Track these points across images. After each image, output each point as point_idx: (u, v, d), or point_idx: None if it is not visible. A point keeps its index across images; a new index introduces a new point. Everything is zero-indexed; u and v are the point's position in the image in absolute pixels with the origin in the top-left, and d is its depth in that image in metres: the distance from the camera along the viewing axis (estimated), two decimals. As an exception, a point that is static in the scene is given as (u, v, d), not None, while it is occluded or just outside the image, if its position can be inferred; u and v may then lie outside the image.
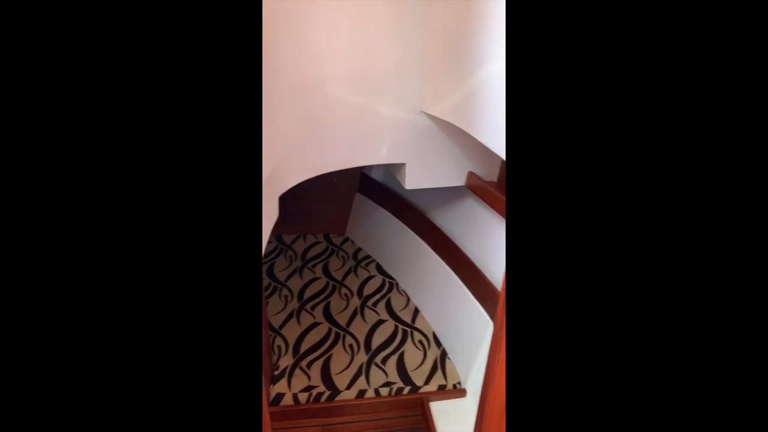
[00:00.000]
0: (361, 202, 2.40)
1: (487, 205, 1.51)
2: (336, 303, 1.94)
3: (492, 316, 1.44)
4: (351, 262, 2.21)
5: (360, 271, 2.15)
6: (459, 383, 1.57)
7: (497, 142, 0.98)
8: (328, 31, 1.13)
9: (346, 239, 2.42)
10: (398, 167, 1.50)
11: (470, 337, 1.57)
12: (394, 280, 2.08)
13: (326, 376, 1.56)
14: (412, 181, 1.47)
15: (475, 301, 1.54)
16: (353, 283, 2.06)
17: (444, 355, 1.68)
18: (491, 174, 1.52)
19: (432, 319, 1.83)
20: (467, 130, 1.10)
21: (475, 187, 1.50)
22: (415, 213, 1.98)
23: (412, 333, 1.77)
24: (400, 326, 1.81)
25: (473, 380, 1.54)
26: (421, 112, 1.33)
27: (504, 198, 1.35)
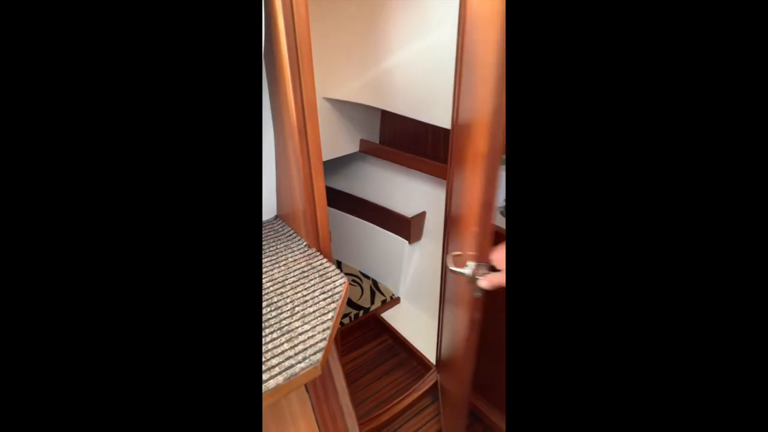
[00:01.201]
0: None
1: (375, 161, 2.02)
2: (269, 280, 2.18)
3: (407, 238, 2.00)
4: (261, 247, 2.44)
5: (274, 251, 2.41)
6: (393, 295, 2.10)
7: (402, 109, 1.49)
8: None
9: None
10: (310, 146, 1.86)
11: (390, 259, 2.10)
12: (308, 247, 2.43)
13: (297, 330, 1.87)
14: (324, 154, 1.86)
15: (386, 231, 2.07)
16: (274, 261, 2.32)
17: (375, 282, 2.18)
18: (374, 138, 2.04)
19: (355, 263, 2.29)
20: (375, 105, 1.57)
21: (368, 149, 1.99)
22: (311, 187, 2.35)
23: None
24: (333, 276, 2.21)
25: (402, 288, 2.10)
26: (323, 98, 1.73)
27: (388, 148, 1.88)
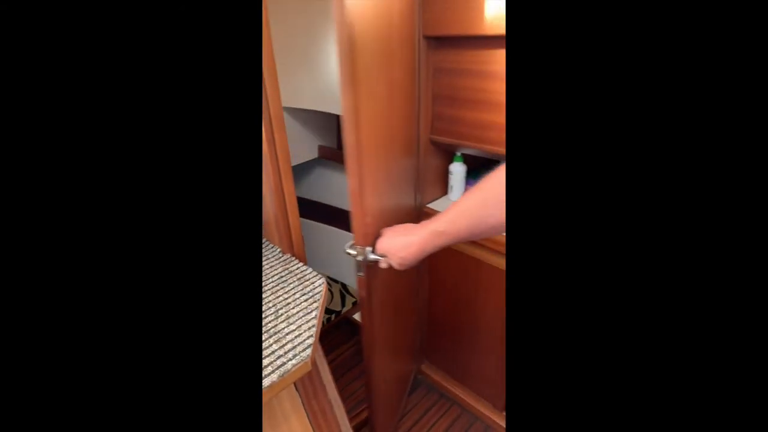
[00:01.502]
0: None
1: (335, 166, 2.07)
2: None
3: (371, 237, 2.05)
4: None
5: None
6: (363, 296, 2.15)
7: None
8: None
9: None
10: (269, 155, 1.87)
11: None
12: (273, 257, 2.42)
13: (270, 340, 1.87)
14: (285, 162, 1.88)
15: (351, 234, 2.11)
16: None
17: (344, 286, 2.21)
18: (332, 143, 2.08)
19: (322, 268, 2.31)
20: (332, 111, 1.62)
21: (327, 154, 2.03)
22: (271, 196, 2.35)
23: (312, 283, 2.22)
24: (301, 283, 2.22)
25: (371, 288, 2.15)
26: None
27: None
